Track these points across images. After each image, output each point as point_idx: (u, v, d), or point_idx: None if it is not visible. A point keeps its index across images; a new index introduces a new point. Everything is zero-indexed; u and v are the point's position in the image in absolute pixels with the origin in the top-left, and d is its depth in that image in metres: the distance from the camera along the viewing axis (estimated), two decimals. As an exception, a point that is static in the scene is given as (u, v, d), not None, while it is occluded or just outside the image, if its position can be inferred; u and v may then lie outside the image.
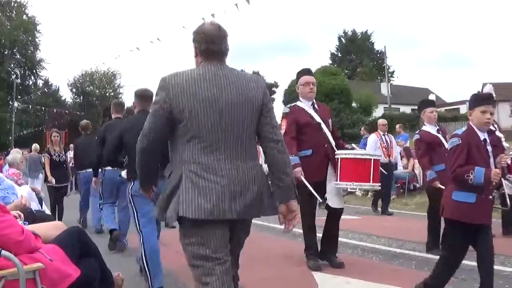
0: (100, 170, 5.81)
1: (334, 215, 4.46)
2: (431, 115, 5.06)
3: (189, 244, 2.14)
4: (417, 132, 5.21)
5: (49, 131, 31.17)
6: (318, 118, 4.36)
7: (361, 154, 4.36)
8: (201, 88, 2.10)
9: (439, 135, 4.94)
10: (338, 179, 4.23)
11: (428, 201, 5.15)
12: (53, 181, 7.61)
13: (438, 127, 5.08)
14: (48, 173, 7.71)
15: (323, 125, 4.34)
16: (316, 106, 4.50)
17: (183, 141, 2.10)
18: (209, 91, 2.09)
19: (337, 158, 4.24)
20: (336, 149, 4.33)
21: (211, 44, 2.23)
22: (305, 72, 4.61)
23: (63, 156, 8.01)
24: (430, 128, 5.02)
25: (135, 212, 3.79)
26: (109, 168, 5.52)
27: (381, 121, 9.35)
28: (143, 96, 4.13)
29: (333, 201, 4.38)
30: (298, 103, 4.50)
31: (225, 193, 2.05)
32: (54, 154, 7.79)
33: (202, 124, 2.07)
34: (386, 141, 8.74)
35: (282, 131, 4.12)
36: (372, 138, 8.83)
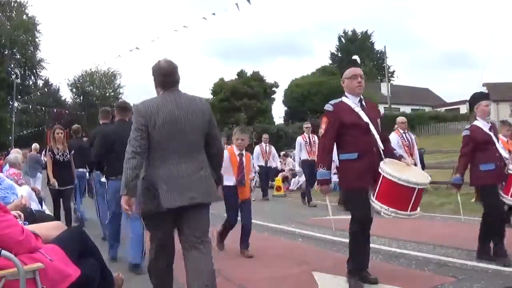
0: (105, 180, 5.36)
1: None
2: (486, 109, 4.64)
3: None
4: (467, 127, 4.75)
5: (51, 130, 31.29)
6: (366, 118, 3.72)
7: (407, 182, 3.52)
8: (165, 110, 2.88)
9: (491, 133, 4.54)
10: (375, 196, 3.64)
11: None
12: (56, 184, 6.69)
13: (490, 124, 4.64)
14: (50, 175, 6.79)
15: (371, 126, 3.71)
16: (364, 103, 3.86)
17: (155, 149, 2.89)
18: (172, 113, 2.89)
19: (380, 171, 3.59)
20: (383, 155, 3.70)
21: (167, 77, 3.02)
22: (352, 63, 4.15)
23: (68, 155, 6.94)
24: (482, 124, 4.59)
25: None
26: (112, 177, 4.82)
27: (400, 119, 8.70)
28: (123, 108, 4.97)
29: None
30: (343, 99, 3.85)
31: (184, 188, 2.88)
32: (58, 153, 6.86)
33: (168, 136, 2.88)
34: (408, 140, 8.41)
35: (322, 131, 3.78)
36: (393, 138, 8.08)
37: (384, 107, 35.96)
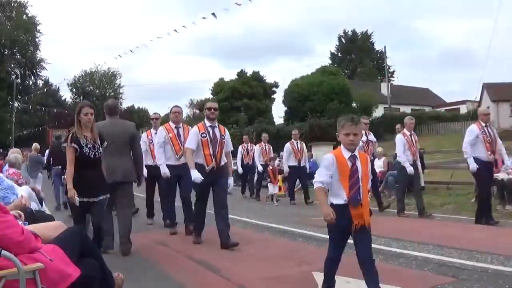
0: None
1: None
2: None
3: None
4: None
5: (51, 129, 31.19)
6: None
7: None
8: (109, 128, 5.17)
9: None
10: None
11: None
12: (77, 199, 4.29)
13: None
14: (69, 181, 4.34)
15: None
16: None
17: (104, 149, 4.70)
18: (111, 129, 5.17)
19: None
20: None
21: (112, 109, 5.46)
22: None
23: (100, 149, 4.59)
24: None
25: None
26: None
27: (408, 120, 8.22)
28: (110, 107, 5.53)
29: None
30: None
31: (119, 170, 5.14)
32: (86, 145, 4.42)
33: (109, 142, 4.85)
34: (414, 141, 8.04)
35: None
36: (400, 140, 7.91)
37: (384, 107, 36.00)
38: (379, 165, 11.48)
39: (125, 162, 5.24)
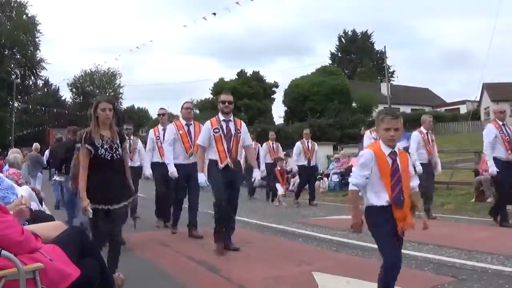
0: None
1: None
2: None
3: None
4: None
5: (52, 129, 31.11)
6: None
7: None
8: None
9: None
10: None
11: None
12: (90, 211, 3.60)
13: None
14: (82, 189, 3.71)
15: None
16: None
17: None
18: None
19: None
20: None
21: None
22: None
23: (119, 149, 3.90)
24: None
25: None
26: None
27: (426, 118, 7.97)
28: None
29: None
30: None
31: None
32: (102, 145, 3.79)
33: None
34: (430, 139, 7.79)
35: None
36: (415, 137, 7.64)
37: (384, 107, 35.93)
38: None
39: None
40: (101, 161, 3.76)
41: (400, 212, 2.87)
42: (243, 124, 5.58)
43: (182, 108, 6.44)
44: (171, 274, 4.31)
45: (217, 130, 5.27)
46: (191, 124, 6.29)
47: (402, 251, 5.02)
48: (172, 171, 6.09)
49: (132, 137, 7.10)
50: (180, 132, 6.16)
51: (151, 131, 7.42)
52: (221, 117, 5.36)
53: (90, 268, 2.84)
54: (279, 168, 11.28)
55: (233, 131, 5.31)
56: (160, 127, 7.21)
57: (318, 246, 5.57)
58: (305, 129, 11.44)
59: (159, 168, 6.80)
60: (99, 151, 3.77)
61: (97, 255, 3.03)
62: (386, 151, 2.93)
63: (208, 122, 5.42)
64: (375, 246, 3.18)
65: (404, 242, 5.37)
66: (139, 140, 7.61)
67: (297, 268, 4.38)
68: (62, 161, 7.05)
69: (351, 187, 2.95)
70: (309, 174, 10.48)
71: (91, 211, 3.60)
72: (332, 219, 7.95)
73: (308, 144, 10.41)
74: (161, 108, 7.70)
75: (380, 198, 2.88)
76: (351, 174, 3.01)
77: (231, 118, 5.40)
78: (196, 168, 5.53)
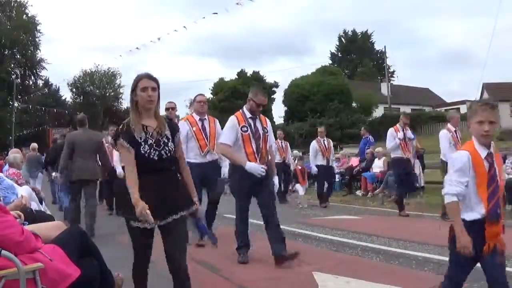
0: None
1: None
2: None
3: None
4: None
5: (52, 128, 31.40)
6: None
7: None
8: (79, 137, 6.60)
9: None
10: None
11: None
12: (150, 218, 2.60)
13: None
14: (133, 191, 2.65)
15: None
16: None
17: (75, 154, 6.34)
18: (81, 138, 6.59)
19: None
20: None
21: (81, 122, 6.79)
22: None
23: (170, 144, 2.86)
24: None
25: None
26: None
27: (454, 114, 7.73)
28: (80, 120, 6.84)
29: None
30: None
31: (85, 170, 6.49)
32: (145, 140, 2.78)
33: (79, 148, 6.45)
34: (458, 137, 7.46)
35: None
36: (444, 136, 7.24)
37: (384, 107, 36.02)
38: (379, 165, 11.47)
39: (92, 164, 6.58)
40: (145, 161, 2.74)
41: (494, 228, 2.43)
42: (269, 122, 5.01)
43: (194, 101, 5.90)
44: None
45: (246, 129, 4.65)
46: (205, 119, 5.75)
47: (402, 251, 5.06)
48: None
49: None
50: (194, 128, 5.61)
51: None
52: (248, 114, 4.76)
53: (90, 268, 2.84)
54: (299, 167, 10.86)
55: (260, 131, 4.73)
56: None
57: (318, 246, 5.57)
58: (320, 127, 10.95)
59: None
60: (141, 148, 2.76)
61: (97, 255, 3.03)
62: (482, 152, 2.46)
63: (233, 118, 4.76)
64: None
65: (404, 242, 5.42)
66: None
67: (297, 268, 4.38)
68: (54, 159, 8.04)
69: (450, 198, 2.46)
70: (328, 174, 10.10)
71: (149, 215, 2.56)
72: (332, 219, 7.95)
73: (324, 143, 9.98)
74: (170, 102, 6.46)
75: (473, 210, 2.46)
76: (446, 183, 2.51)
77: (257, 116, 4.82)
78: (212, 167, 5.41)
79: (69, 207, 6.74)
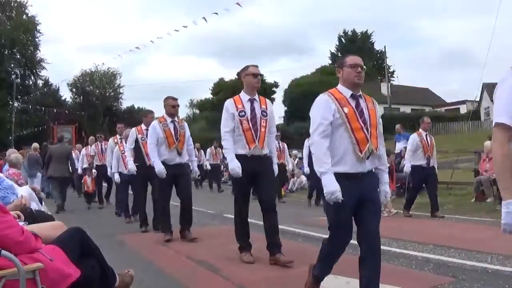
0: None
1: None
2: None
3: None
4: None
5: (56, 126, 31.40)
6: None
7: None
8: (56, 150, 10.36)
9: None
10: None
11: None
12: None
13: None
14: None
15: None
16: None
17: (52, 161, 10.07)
18: (57, 150, 10.34)
19: None
20: None
21: (60, 139, 11.28)
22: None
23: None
24: None
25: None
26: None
27: (424, 119, 8.13)
28: (59, 137, 10.95)
29: None
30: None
31: (59, 170, 10.25)
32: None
33: (55, 157, 10.07)
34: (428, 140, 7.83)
35: None
36: (411, 140, 7.73)
37: (384, 107, 35.96)
38: None
39: (65, 167, 10.09)
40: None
41: None
42: (269, 104, 4.62)
43: (165, 103, 6.05)
44: (171, 274, 4.31)
45: (243, 113, 4.38)
46: (175, 120, 5.98)
47: (402, 251, 5.06)
48: (159, 168, 5.67)
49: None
50: (165, 128, 5.83)
51: (133, 131, 7.09)
52: (246, 96, 4.47)
53: (90, 268, 2.84)
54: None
55: (258, 113, 4.42)
56: (143, 126, 6.91)
57: (318, 246, 5.56)
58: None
59: (141, 171, 6.75)
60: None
61: (98, 255, 3.03)
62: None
63: (230, 101, 4.48)
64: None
65: (404, 242, 5.42)
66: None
67: (297, 268, 4.38)
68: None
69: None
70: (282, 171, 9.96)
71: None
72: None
73: (279, 145, 9.98)
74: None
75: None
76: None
77: (256, 97, 4.49)
78: (183, 167, 5.69)
79: (53, 193, 10.72)
